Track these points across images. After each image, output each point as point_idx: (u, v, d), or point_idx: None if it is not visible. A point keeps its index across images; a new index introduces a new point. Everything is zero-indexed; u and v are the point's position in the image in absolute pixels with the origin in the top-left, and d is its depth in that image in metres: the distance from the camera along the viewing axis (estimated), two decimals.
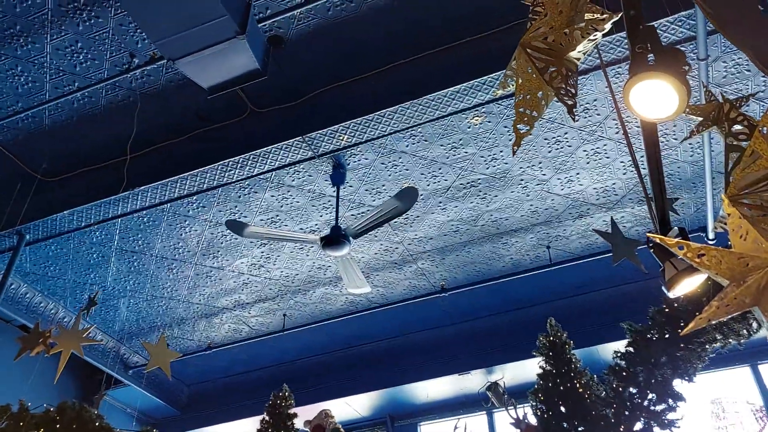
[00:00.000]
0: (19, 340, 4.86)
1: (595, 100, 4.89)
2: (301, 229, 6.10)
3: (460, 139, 5.22)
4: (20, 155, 5.35)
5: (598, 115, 5.01)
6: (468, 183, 5.71)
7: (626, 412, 4.52)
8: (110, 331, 7.59)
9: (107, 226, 5.90)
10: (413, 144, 5.23)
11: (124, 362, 8.04)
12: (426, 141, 5.21)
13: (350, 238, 5.08)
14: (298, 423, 5.68)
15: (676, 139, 5.26)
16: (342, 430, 6.09)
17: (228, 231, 5.89)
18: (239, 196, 5.70)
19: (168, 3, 3.66)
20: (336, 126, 4.81)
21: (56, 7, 4.19)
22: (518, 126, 2.60)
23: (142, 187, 5.26)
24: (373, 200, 5.78)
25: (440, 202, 5.93)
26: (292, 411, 5.50)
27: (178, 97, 4.93)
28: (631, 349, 4.71)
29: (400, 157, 5.37)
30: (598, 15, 2.33)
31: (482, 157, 5.41)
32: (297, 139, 4.90)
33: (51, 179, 5.51)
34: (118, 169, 5.15)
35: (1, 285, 5.57)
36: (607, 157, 5.45)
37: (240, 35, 3.84)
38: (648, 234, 1.86)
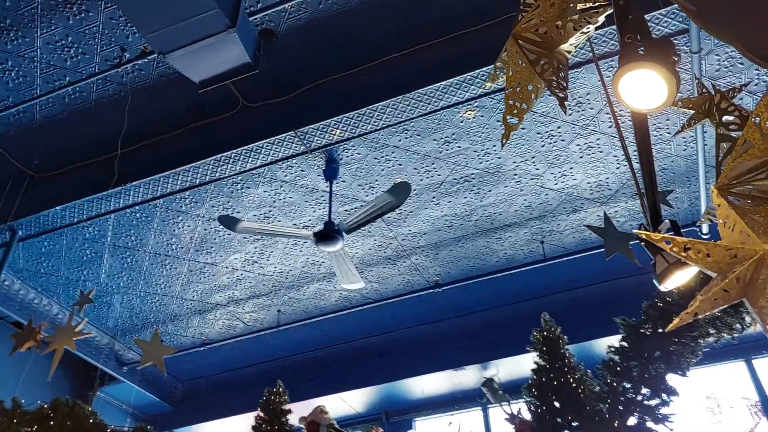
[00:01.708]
0: (12, 337, 4.84)
1: (588, 94, 4.87)
2: (295, 224, 6.08)
3: (453, 134, 5.20)
4: (11, 151, 5.32)
5: (591, 109, 5.00)
6: (461, 178, 5.69)
7: (620, 407, 4.51)
8: (104, 327, 7.56)
9: (100, 222, 5.87)
10: (406, 139, 5.21)
11: (119, 358, 8.01)
12: (419, 135, 5.19)
13: (343, 234, 5.06)
14: (293, 419, 5.65)
15: (669, 133, 5.25)
16: (337, 426, 6.07)
17: (221, 226, 5.86)
18: (232, 192, 5.67)
19: None
20: (328, 120, 4.79)
21: (46, 0, 4.16)
22: (508, 118, 2.59)
23: (134, 183, 5.24)
24: (367, 195, 5.76)
25: (434, 197, 5.91)
26: (286, 407, 5.47)
27: (169, 91, 4.91)
28: (624, 343, 4.70)
29: (393, 152, 5.35)
30: (591, 3, 2.31)
31: (475, 151, 5.39)
32: (289, 133, 4.88)
33: (43, 175, 5.49)
34: (109, 165, 5.12)
35: None
36: (601, 152, 5.44)
37: (230, 29, 3.82)
38: (635, 231, 1.84)
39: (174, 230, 6.14)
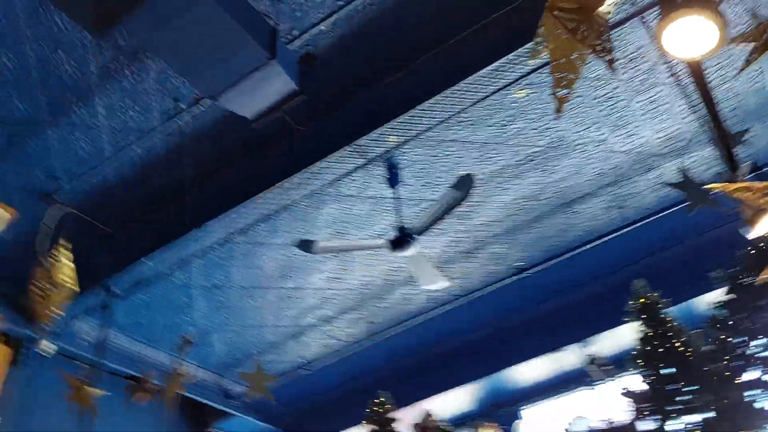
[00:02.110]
0: (127, 390, 5.12)
1: (639, 48, 4.68)
2: (368, 235, 6.14)
3: (508, 116, 5.11)
4: (93, 214, 5.61)
5: (646, 62, 4.79)
6: (525, 158, 5.58)
7: (734, 363, 4.30)
8: (209, 365, 7.86)
9: (186, 267, 6.13)
10: (461, 131, 5.16)
11: (227, 393, 8.31)
12: (473, 125, 5.13)
13: (416, 236, 5.08)
14: (403, 426, 5.71)
15: (735, 69, 4.96)
16: (445, 426, 6.09)
17: (300, 251, 5.98)
18: (303, 215, 5.79)
19: (198, 44, 3.75)
20: (381, 128, 4.82)
21: (99, 70, 4.39)
22: (557, 91, 2.54)
23: (209, 223, 5.43)
24: (432, 194, 5.74)
25: (500, 183, 5.83)
26: (392, 416, 5.53)
27: (226, 130, 5.05)
28: (729, 297, 4.49)
29: (450, 146, 5.31)
30: None
31: (534, 129, 5.28)
32: (345, 148, 4.95)
33: (124, 231, 5.77)
34: (184, 211, 5.34)
35: (102, 342, 5.88)
36: (665, 104, 5.20)
37: (271, 60, 3.89)
38: (711, 186, 1.74)
39: (256, 262, 6.33)
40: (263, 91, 4.13)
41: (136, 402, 4.85)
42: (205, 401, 7.91)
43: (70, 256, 4.17)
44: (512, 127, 5.21)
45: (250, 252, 6.18)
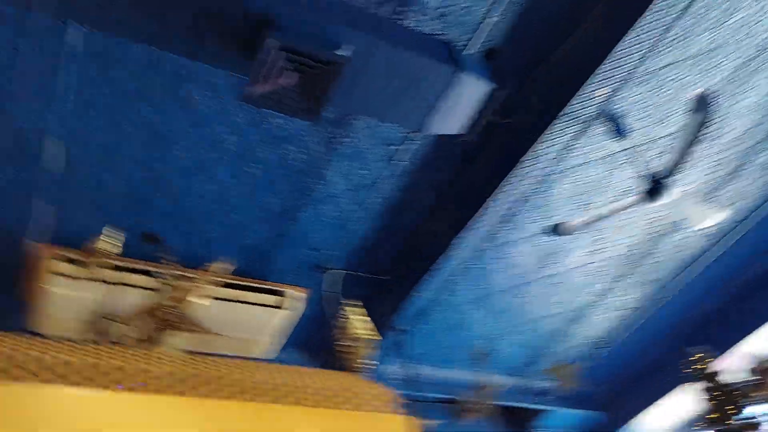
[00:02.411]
0: (455, 413, 5.50)
1: None
2: (615, 197, 5.83)
3: (721, 14, 4.54)
4: (362, 268, 6.18)
5: None
6: (757, 49, 4.90)
7: None
8: (507, 370, 8.01)
9: (451, 287, 6.42)
10: (672, 51, 4.71)
11: (535, 391, 8.38)
12: (684, 39, 4.65)
13: (670, 178, 4.71)
14: (729, 376, 5.23)
15: None
16: None
17: (547, 237, 5.91)
18: (541, 202, 5.73)
19: (388, 88, 3.97)
20: (585, 87, 4.61)
21: (322, 146, 4.88)
22: None
23: (457, 241, 5.65)
24: (667, 129, 5.29)
25: (738, 87, 5.16)
26: (714, 368, 5.10)
27: (442, 150, 5.26)
28: None
29: (667, 73, 4.87)
30: None
31: (756, 15, 4.61)
32: (557, 122, 4.82)
33: (392, 274, 6.25)
34: (434, 238, 5.67)
35: (410, 376, 6.42)
36: None
37: (457, 73, 3.97)
38: None
39: (511, 261, 6.39)
40: (462, 103, 4.22)
41: (466, 422, 5.18)
42: (517, 404, 8.08)
43: (361, 310, 4.67)
44: (730, 23, 4.62)
45: (502, 254, 6.25)
